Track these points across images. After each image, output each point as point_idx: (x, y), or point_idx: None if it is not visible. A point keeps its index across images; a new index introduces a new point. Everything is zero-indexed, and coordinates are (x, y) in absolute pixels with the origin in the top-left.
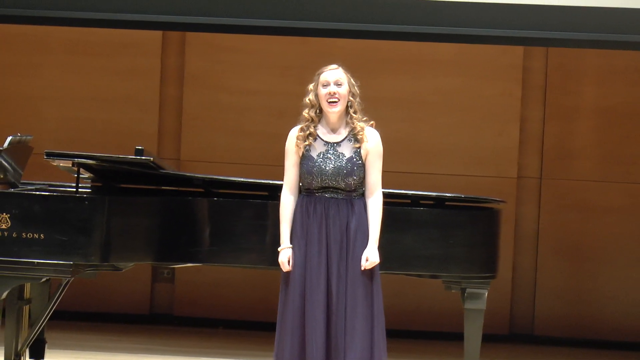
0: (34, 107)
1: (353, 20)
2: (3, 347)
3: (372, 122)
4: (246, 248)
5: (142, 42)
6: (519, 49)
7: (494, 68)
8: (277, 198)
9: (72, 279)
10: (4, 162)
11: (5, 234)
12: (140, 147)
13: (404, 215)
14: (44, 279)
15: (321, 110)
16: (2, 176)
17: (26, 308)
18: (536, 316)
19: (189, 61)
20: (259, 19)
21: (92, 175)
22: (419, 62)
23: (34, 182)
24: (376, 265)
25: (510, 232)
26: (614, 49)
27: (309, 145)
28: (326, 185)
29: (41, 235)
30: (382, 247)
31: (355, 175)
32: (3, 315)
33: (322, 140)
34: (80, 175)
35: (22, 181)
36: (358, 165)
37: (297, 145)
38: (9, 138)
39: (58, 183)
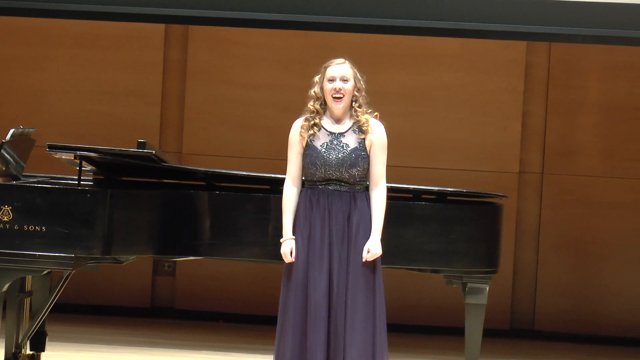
0: (39, 100)
1: (356, 14)
2: (4, 340)
3: (376, 113)
4: (248, 241)
5: (145, 35)
6: (522, 44)
7: (496, 63)
8: (279, 192)
9: (74, 271)
10: (6, 154)
11: (7, 226)
12: (142, 140)
13: (406, 210)
14: (45, 272)
15: (326, 103)
16: (4, 168)
17: (27, 300)
18: (537, 311)
19: (192, 55)
20: (263, 12)
21: (94, 168)
22: (421, 57)
23: (36, 174)
24: (378, 259)
25: (511, 227)
26: (617, 45)
27: (313, 134)
28: (330, 176)
29: (43, 228)
30: (384, 242)
31: (359, 166)
32: (4, 308)
33: (327, 130)
34: (83, 168)
35: (24, 174)
36: (362, 157)
37: (301, 135)
38: (12, 130)
39: (60, 176)
